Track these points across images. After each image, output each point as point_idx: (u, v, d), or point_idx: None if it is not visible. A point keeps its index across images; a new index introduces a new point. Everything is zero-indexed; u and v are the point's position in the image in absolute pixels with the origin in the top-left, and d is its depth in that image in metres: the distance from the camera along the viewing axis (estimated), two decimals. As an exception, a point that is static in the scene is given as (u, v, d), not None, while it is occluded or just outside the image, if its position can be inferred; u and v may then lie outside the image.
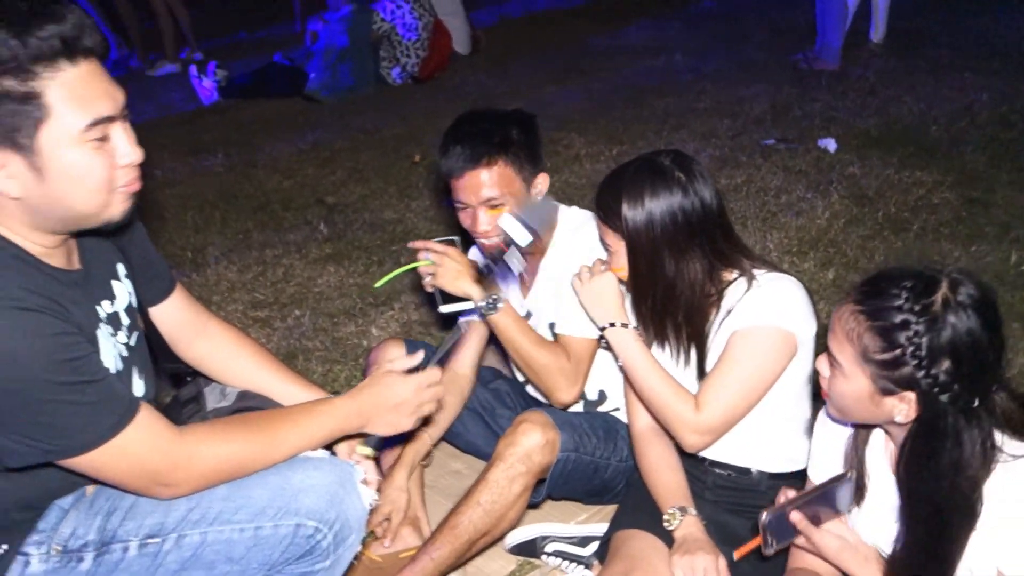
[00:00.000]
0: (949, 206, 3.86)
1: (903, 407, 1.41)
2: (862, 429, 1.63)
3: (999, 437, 1.41)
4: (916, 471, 1.43)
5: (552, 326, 2.24)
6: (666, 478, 1.94)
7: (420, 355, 1.72)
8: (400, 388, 1.66)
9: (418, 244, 2.20)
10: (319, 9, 6.83)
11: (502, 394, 2.43)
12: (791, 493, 1.61)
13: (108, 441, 1.36)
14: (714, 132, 5.02)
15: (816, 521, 1.61)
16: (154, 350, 1.75)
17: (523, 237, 1.99)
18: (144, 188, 1.48)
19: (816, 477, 1.72)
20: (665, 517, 1.88)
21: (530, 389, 2.42)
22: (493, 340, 2.30)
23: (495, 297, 2.12)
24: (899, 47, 6.03)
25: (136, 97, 6.50)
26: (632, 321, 1.94)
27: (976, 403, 1.38)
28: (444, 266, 2.14)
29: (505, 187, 2.08)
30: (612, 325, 1.93)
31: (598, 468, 2.12)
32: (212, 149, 5.59)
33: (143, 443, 1.40)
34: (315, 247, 4.18)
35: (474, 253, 2.39)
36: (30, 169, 1.31)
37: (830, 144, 4.60)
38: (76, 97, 1.30)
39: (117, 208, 1.41)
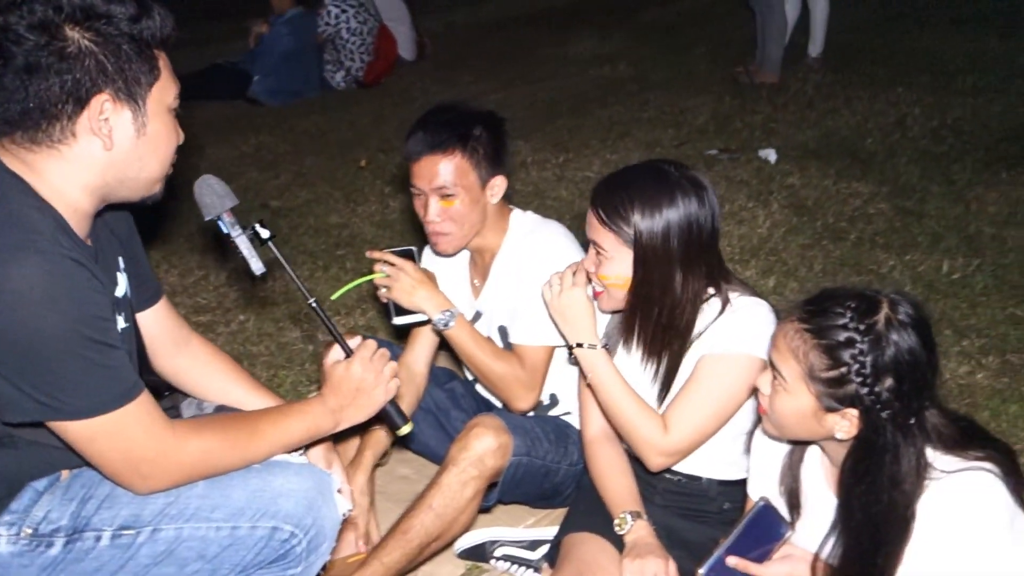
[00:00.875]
0: (884, 216, 3.98)
1: (844, 424, 1.44)
2: (797, 447, 1.66)
3: (931, 453, 1.46)
4: (856, 486, 1.46)
5: (503, 330, 2.26)
6: (617, 483, 1.96)
7: (356, 339, 1.72)
8: (350, 372, 1.65)
9: (375, 254, 2.19)
10: (264, 12, 6.76)
11: (456, 395, 2.43)
12: (723, 542, 1.63)
13: (110, 412, 1.35)
14: (658, 141, 5.09)
15: (765, 555, 1.64)
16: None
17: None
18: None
19: (755, 494, 1.75)
20: (616, 521, 1.89)
21: (481, 390, 2.43)
22: (446, 346, 2.30)
23: (450, 312, 2.13)
24: (836, 62, 6.19)
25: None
26: (600, 339, 1.92)
27: (912, 420, 1.42)
28: (399, 280, 2.14)
29: (459, 179, 2.10)
30: (580, 345, 1.91)
31: (549, 472, 2.13)
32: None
33: (140, 423, 1.39)
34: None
35: (428, 259, 2.39)
36: (134, 123, 1.43)
37: (771, 155, 4.71)
38: (170, 71, 1.48)
39: (162, 185, 1.53)
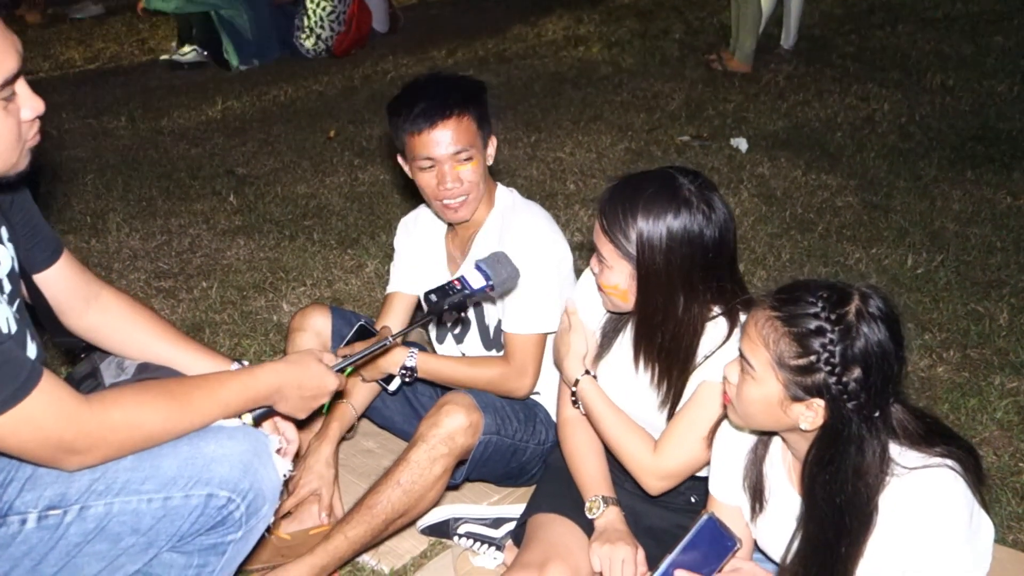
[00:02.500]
0: (851, 210, 4.01)
1: (810, 414, 1.43)
2: (761, 442, 1.66)
3: (895, 448, 1.47)
4: (819, 475, 1.46)
5: (481, 310, 2.24)
6: (590, 465, 1.95)
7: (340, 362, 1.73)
8: (321, 382, 1.64)
9: (343, 351, 2.17)
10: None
11: None
12: (668, 556, 1.63)
13: (11, 408, 1.27)
14: (630, 125, 5.09)
15: (713, 570, 1.64)
16: (40, 323, 1.64)
17: (479, 283, 1.88)
18: (39, 147, 1.41)
19: (717, 491, 1.74)
20: (587, 504, 1.89)
21: None
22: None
23: (410, 364, 2.16)
24: (808, 55, 6.23)
25: (29, 51, 6.21)
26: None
27: (877, 414, 1.43)
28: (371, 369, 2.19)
29: (471, 140, 2.08)
30: (577, 383, 1.92)
31: (517, 451, 2.12)
32: (115, 111, 5.36)
33: (48, 410, 1.32)
34: (224, 218, 4.05)
35: (404, 229, 2.37)
36: None
37: (742, 144, 4.73)
38: None
39: (22, 162, 1.36)
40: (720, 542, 1.67)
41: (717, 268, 1.73)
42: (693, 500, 1.95)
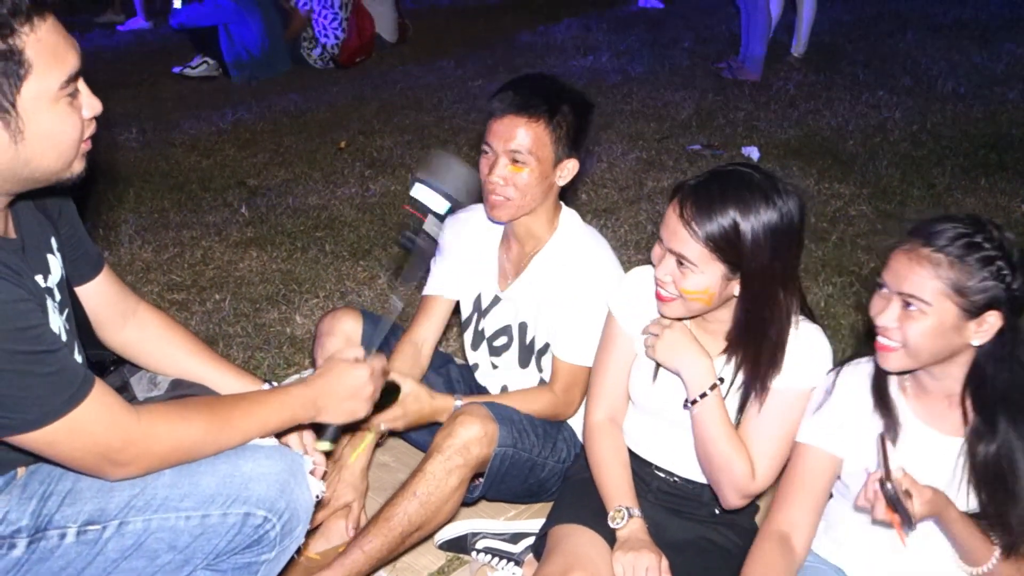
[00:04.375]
0: (865, 218, 4.00)
1: (982, 330, 1.54)
2: (880, 387, 1.70)
3: None
4: (996, 373, 1.58)
5: (523, 327, 2.23)
6: (616, 474, 1.93)
7: (359, 348, 1.70)
8: (353, 376, 1.62)
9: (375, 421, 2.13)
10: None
11: (452, 381, 2.39)
12: (878, 473, 1.58)
13: (64, 415, 1.29)
14: (641, 134, 5.08)
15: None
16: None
17: (440, 204, 1.86)
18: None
19: (823, 441, 1.73)
20: (611, 514, 1.87)
21: (479, 377, 2.39)
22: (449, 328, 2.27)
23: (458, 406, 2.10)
24: (818, 63, 6.22)
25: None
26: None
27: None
28: (407, 417, 2.13)
29: (535, 149, 2.01)
30: (704, 396, 1.79)
31: (535, 466, 2.10)
32: (126, 123, 5.36)
33: (99, 418, 1.33)
34: (236, 230, 4.05)
35: (453, 226, 2.33)
36: (6, 130, 1.25)
37: (753, 152, 4.71)
38: (51, 53, 1.25)
39: (78, 165, 1.37)
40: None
41: (800, 255, 1.78)
42: (717, 512, 1.93)
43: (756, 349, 1.78)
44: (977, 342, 1.55)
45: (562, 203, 2.21)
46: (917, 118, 5.17)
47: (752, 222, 1.66)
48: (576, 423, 2.22)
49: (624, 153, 4.81)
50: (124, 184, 4.50)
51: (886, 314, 1.57)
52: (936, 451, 1.66)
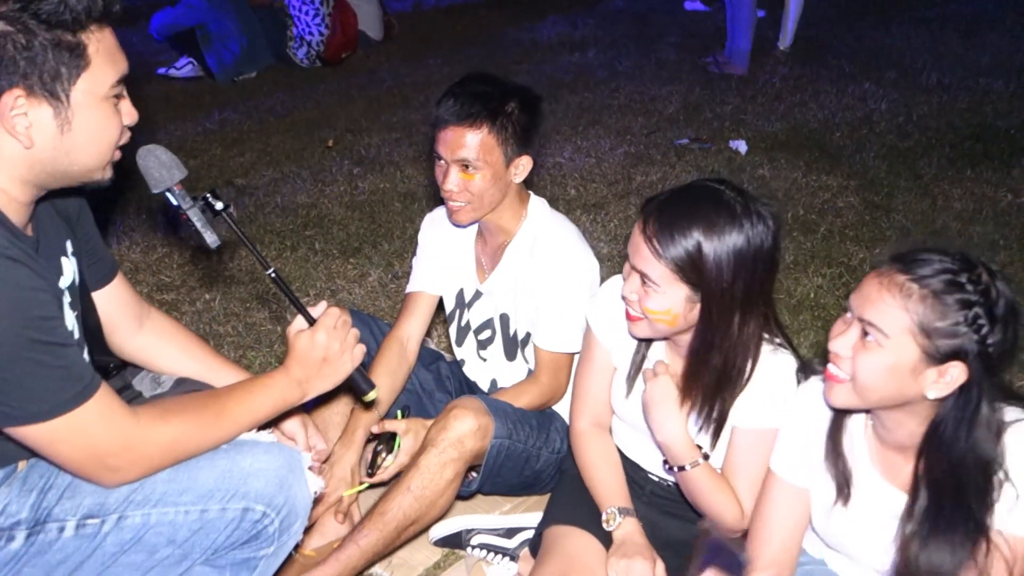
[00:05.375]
0: (853, 210, 4.01)
1: (941, 381, 1.39)
2: (837, 425, 1.60)
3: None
4: (954, 444, 1.42)
5: (504, 318, 2.23)
6: (606, 476, 1.93)
7: (320, 306, 1.66)
8: (313, 342, 1.60)
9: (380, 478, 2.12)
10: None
11: (442, 377, 2.40)
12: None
13: (70, 411, 1.30)
14: (629, 129, 5.08)
15: None
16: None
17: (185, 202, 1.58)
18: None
19: (784, 471, 1.67)
20: (604, 516, 1.87)
21: (467, 372, 2.39)
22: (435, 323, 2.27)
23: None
24: (803, 56, 6.24)
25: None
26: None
27: (995, 376, 1.42)
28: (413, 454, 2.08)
29: (483, 155, 2.03)
30: (683, 469, 1.75)
31: (530, 458, 2.11)
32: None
33: (101, 419, 1.34)
34: (224, 229, 4.02)
35: (431, 225, 2.35)
36: (55, 119, 1.32)
37: (741, 146, 4.72)
38: (108, 54, 1.35)
39: (108, 171, 1.44)
40: (734, 559, 1.62)
41: (771, 281, 1.69)
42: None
43: (706, 377, 1.72)
44: (933, 394, 1.41)
45: (530, 192, 2.22)
46: (903, 110, 5.20)
47: (715, 244, 1.60)
48: (566, 412, 2.22)
49: (612, 148, 4.81)
50: (111, 185, 4.47)
51: (841, 340, 1.46)
52: (885, 502, 1.55)
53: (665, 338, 1.80)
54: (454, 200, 2.08)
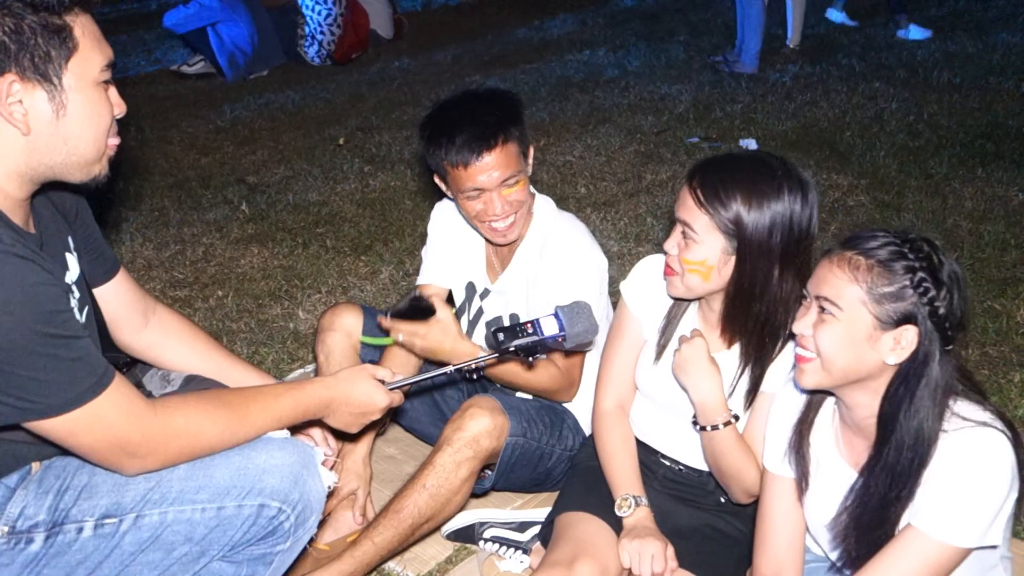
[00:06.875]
0: (864, 209, 4.01)
1: (900, 346, 1.45)
2: (810, 409, 1.66)
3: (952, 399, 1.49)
4: (898, 413, 1.48)
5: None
6: (623, 463, 1.95)
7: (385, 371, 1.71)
8: (371, 400, 1.65)
9: (386, 324, 2.08)
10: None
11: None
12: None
13: (87, 403, 1.31)
14: (639, 128, 5.09)
15: None
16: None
17: (552, 330, 1.75)
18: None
19: (772, 464, 1.72)
20: (618, 502, 1.89)
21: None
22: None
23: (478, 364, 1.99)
24: (813, 54, 6.24)
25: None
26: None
27: (949, 347, 1.46)
28: (426, 341, 2.05)
29: (516, 163, 2.04)
30: (716, 427, 1.79)
31: (543, 456, 2.12)
32: (123, 122, 5.35)
33: (119, 409, 1.35)
34: (236, 227, 4.06)
35: (439, 222, 2.35)
36: (50, 103, 1.33)
37: (751, 144, 4.73)
38: (94, 38, 1.36)
39: (104, 165, 1.43)
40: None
41: (808, 247, 1.76)
42: (723, 500, 1.95)
43: (743, 320, 1.79)
44: (893, 360, 1.47)
45: (534, 191, 2.23)
46: (913, 109, 5.19)
47: (755, 197, 1.69)
48: (578, 411, 2.24)
49: (622, 146, 4.82)
50: (124, 182, 4.51)
51: (802, 321, 1.53)
52: (844, 485, 1.59)
53: (698, 298, 1.87)
54: (507, 218, 2.08)
